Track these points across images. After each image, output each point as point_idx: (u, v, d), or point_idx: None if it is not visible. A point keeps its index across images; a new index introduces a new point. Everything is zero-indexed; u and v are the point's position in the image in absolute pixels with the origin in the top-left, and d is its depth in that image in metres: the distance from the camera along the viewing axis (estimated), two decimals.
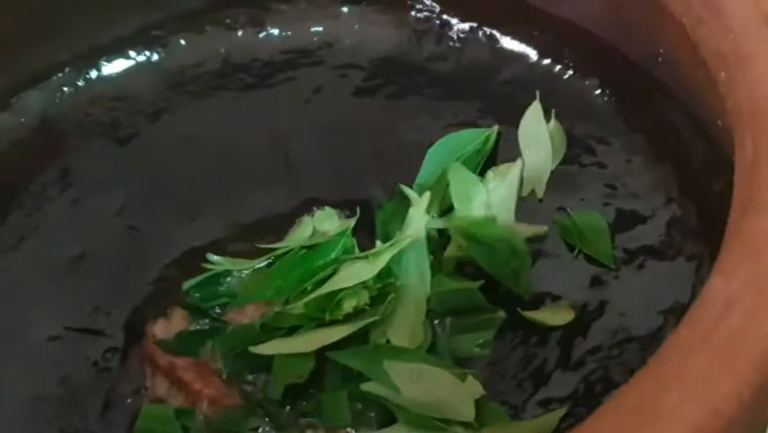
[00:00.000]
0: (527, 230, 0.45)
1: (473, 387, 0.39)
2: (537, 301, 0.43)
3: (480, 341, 0.42)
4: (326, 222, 0.47)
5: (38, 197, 0.48)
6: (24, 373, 0.42)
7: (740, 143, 0.29)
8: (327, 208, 0.47)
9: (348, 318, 0.42)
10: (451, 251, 0.44)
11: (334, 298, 0.42)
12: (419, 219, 0.44)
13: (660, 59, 0.43)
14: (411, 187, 0.47)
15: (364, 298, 0.42)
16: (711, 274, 0.28)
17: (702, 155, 0.43)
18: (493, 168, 0.47)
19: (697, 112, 0.42)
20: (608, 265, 0.43)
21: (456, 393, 0.39)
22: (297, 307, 0.43)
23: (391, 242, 0.43)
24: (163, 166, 0.50)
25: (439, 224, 0.44)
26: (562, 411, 0.38)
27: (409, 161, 0.49)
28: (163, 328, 0.45)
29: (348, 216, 0.47)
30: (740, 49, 0.32)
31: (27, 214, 0.47)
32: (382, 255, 0.42)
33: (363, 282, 0.42)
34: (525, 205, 0.46)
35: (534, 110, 0.48)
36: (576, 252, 0.44)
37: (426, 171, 0.48)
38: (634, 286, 0.42)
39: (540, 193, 0.46)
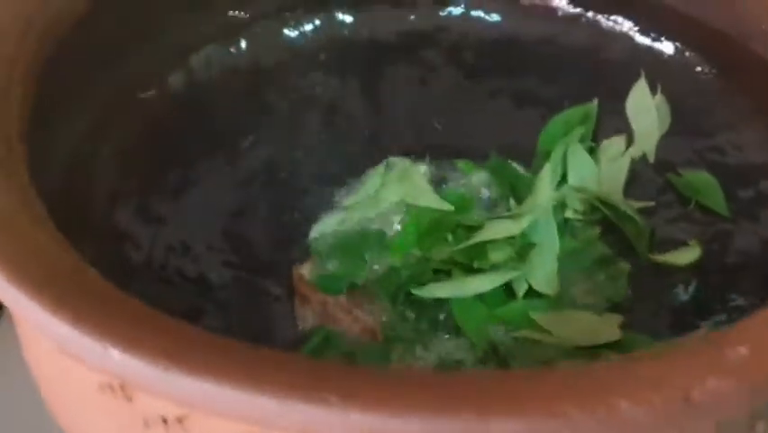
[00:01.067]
0: (635, 204, 0.50)
1: (614, 318, 0.44)
2: (661, 249, 0.48)
3: (611, 291, 0.47)
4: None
5: (194, 155, 0.52)
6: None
7: None
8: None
9: (491, 269, 0.47)
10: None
11: (482, 249, 0.47)
12: (546, 190, 0.49)
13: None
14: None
15: (509, 251, 0.47)
16: None
17: None
18: (602, 144, 0.52)
19: None
20: (724, 214, 0.48)
21: (600, 324, 0.44)
22: (442, 253, 0.48)
23: (527, 207, 0.48)
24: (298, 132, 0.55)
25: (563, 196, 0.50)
26: (705, 329, 0.43)
27: (520, 136, 0.54)
28: (308, 270, 0.49)
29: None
30: None
31: (183, 171, 0.51)
32: (524, 217, 0.48)
33: (509, 238, 0.47)
34: (638, 167, 0.52)
35: (641, 85, 0.54)
36: (692, 204, 0.49)
37: (542, 151, 0.54)
38: (751, 229, 0.47)
39: (651, 157, 0.52)
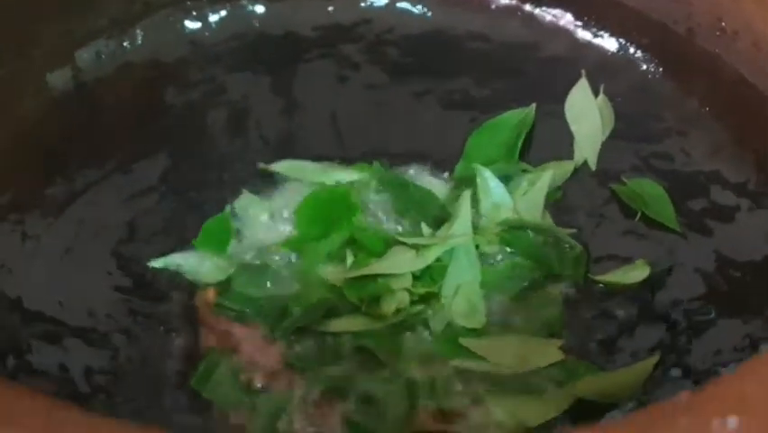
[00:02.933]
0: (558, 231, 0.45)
1: (553, 342, 0.40)
2: (603, 267, 0.43)
3: (546, 317, 0.42)
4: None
5: (81, 163, 0.45)
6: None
7: None
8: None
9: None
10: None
11: (375, 285, 0.41)
12: (465, 218, 0.44)
13: (717, 32, 0.44)
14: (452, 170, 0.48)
15: (405, 300, 0.41)
16: None
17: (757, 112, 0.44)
18: (527, 174, 0.47)
19: (750, 76, 0.44)
20: (675, 229, 0.43)
21: (539, 347, 0.39)
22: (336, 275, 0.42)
23: (439, 236, 0.43)
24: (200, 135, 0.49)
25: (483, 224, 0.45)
26: (655, 358, 0.38)
27: (447, 142, 0.49)
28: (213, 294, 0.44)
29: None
30: None
31: (70, 179, 0.44)
32: (432, 249, 0.42)
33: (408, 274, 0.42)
34: (580, 175, 0.47)
35: (581, 86, 0.49)
36: (638, 216, 0.44)
37: (468, 160, 0.49)
38: (702, 246, 0.42)
39: (593, 165, 0.47)
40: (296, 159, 0.48)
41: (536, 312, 0.42)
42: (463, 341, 0.40)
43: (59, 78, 0.47)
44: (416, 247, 0.42)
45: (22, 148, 0.45)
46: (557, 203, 0.46)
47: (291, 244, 0.44)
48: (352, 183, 0.47)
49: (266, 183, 0.48)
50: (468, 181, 0.47)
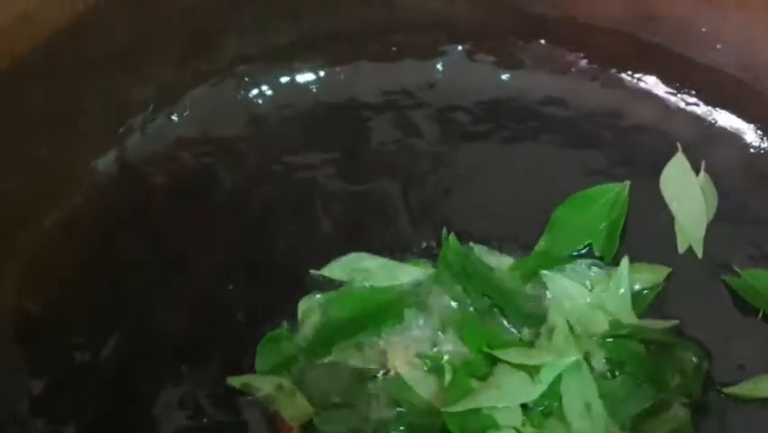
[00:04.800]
0: (658, 325, 0.41)
1: None
2: (725, 375, 0.39)
3: None
4: None
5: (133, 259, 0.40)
6: None
7: None
8: None
9: None
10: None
11: (481, 418, 0.37)
12: (564, 326, 0.40)
13: None
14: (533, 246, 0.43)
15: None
16: None
17: None
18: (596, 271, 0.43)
19: None
20: None
21: None
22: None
23: (545, 349, 0.38)
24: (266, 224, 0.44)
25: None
26: None
27: (526, 218, 0.45)
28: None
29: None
30: None
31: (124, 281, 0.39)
32: (545, 371, 0.37)
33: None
34: (685, 263, 0.43)
35: (678, 161, 0.45)
36: (759, 314, 0.40)
37: (553, 238, 0.44)
38: None
39: (699, 251, 0.43)
40: (361, 250, 0.43)
41: None
42: None
43: (104, 161, 0.42)
44: (524, 368, 0.37)
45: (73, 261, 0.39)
46: (661, 298, 0.42)
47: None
48: (415, 284, 0.42)
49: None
50: (551, 261, 0.43)
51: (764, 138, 0.44)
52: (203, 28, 0.44)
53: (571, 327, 0.40)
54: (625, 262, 0.41)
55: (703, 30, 0.45)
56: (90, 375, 0.37)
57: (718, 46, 0.44)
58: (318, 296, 0.41)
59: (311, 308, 0.41)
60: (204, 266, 0.41)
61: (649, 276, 0.42)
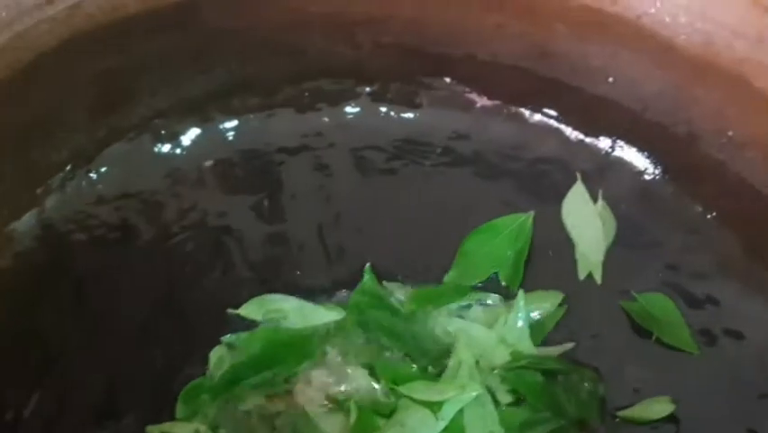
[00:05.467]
0: (554, 351, 0.43)
1: None
2: (620, 398, 0.41)
3: None
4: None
5: (54, 321, 0.41)
6: None
7: None
8: None
9: None
10: None
11: None
12: (470, 360, 0.42)
13: (723, 139, 0.43)
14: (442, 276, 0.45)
15: None
16: None
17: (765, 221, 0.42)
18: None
19: (761, 186, 0.42)
20: (691, 351, 0.41)
21: None
22: None
23: (448, 385, 0.40)
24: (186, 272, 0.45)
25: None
26: None
27: (438, 249, 0.47)
28: None
29: None
30: None
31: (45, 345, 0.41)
32: (448, 406, 0.39)
33: None
34: (586, 290, 0.45)
35: (578, 190, 0.47)
36: (653, 338, 0.42)
37: (461, 267, 0.46)
38: (722, 368, 0.41)
39: (598, 277, 0.45)
40: (278, 291, 0.45)
41: None
42: None
43: (24, 223, 0.43)
44: (426, 404, 0.39)
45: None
46: (561, 324, 0.44)
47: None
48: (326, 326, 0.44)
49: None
50: (461, 291, 0.45)
51: (657, 165, 0.47)
52: (114, 88, 0.45)
53: (476, 362, 0.42)
54: (521, 294, 0.43)
55: (595, 64, 0.47)
56: None
57: (610, 79, 0.47)
58: (229, 337, 0.43)
59: (223, 355, 0.43)
60: (123, 319, 0.43)
61: (545, 303, 0.44)
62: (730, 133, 0.42)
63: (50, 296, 0.42)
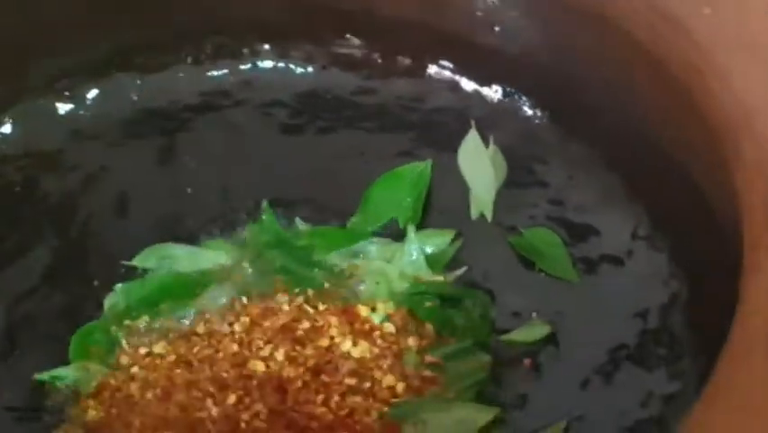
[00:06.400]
0: (449, 276, 0.46)
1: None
2: (509, 324, 0.43)
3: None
4: None
5: None
6: None
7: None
8: None
9: None
10: None
11: None
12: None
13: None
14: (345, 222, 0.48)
15: None
16: None
17: (644, 157, 0.44)
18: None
19: (643, 118, 0.44)
20: (571, 279, 0.44)
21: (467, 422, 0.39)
22: None
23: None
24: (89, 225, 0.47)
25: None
26: (562, 424, 0.38)
27: (341, 196, 0.48)
28: None
29: None
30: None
31: None
32: None
33: None
34: (478, 228, 0.47)
35: (472, 137, 0.49)
36: (537, 269, 0.44)
37: (366, 213, 0.48)
38: (600, 294, 0.43)
39: (489, 216, 0.47)
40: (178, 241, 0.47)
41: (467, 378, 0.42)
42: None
43: None
44: None
45: None
46: (456, 259, 0.46)
47: None
48: (221, 266, 0.46)
49: None
50: (361, 234, 0.47)
51: (543, 110, 0.49)
52: (14, 47, 0.46)
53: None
54: (410, 228, 0.46)
55: (482, 15, 0.49)
56: None
57: (497, 29, 0.49)
58: (119, 285, 0.44)
59: (117, 301, 0.44)
60: (24, 270, 0.44)
61: (438, 239, 0.46)
62: (608, 76, 0.44)
63: None
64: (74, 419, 0.40)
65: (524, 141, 0.49)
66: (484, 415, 0.39)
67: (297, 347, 0.41)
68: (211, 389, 0.40)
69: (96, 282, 0.45)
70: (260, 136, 0.51)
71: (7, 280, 0.44)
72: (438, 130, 0.50)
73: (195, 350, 0.42)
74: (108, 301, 0.44)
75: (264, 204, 0.47)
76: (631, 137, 0.45)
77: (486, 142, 0.49)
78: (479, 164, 0.48)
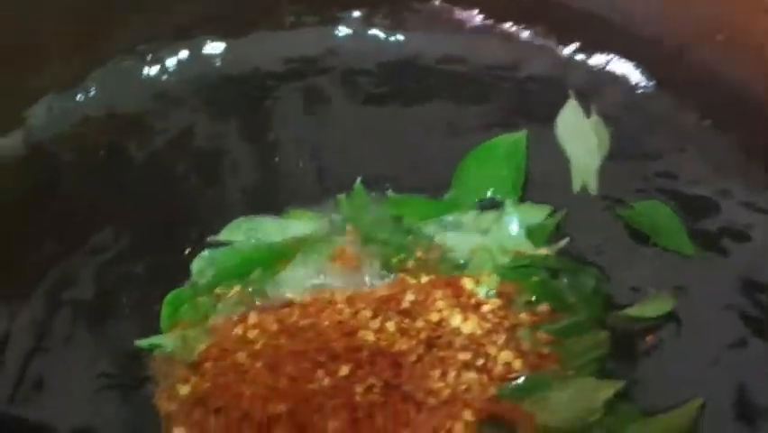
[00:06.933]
0: (552, 249, 0.43)
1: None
2: (623, 299, 0.41)
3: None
4: None
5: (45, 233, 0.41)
6: None
7: None
8: None
9: None
10: None
11: None
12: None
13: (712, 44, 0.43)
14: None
15: None
16: None
17: (761, 126, 0.42)
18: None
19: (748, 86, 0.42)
20: (689, 254, 0.41)
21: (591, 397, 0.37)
22: None
23: None
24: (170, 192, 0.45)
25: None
26: (698, 401, 0.36)
27: (432, 171, 0.46)
28: None
29: None
30: None
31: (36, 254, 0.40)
32: None
33: None
34: (582, 202, 0.45)
35: (571, 106, 0.47)
36: (651, 243, 0.42)
37: (459, 189, 0.46)
38: (722, 268, 0.41)
39: (593, 189, 0.45)
40: (268, 212, 0.45)
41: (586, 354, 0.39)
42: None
43: (9, 141, 0.42)
44: None
45: None
46: (560, 233, 0.44)
47: None
48: (311, 236, 0.44)
49: None
50: (454, 206, 0.45)
51: (647, 78, 0.47)
52: (101, 11, 0.44)
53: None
54: (508, 202, 0.44)
55: None
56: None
57: None
58: (207, 252, 0.43)
59: (204, 266, 0.42)
60: (110, 236, 0.42)
61: (537, 212, 0.44)
62: (719, 38, 0.42)
63: (36, 214, 0.41)
64: (175, 387, 0.38)
65: (629, 111, 0.46)
66: (607, 389, 0.37)
67: (407, 320, 0.39)
68: (321, 359, 0.38)
69: (185, 250, 0.43)
70: (345, 106, 0.49)
71: (95, 246, 0.42)
72: (533, 100, 0.48)
73: (295, 319, 0.40)
74: (196, 267, 0.42)
75: (358, 181, 0.45)
76: (747, 107, 0.43)
77: (587, 112, 0.47)
78: (580, 135, 0.46)
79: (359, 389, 0.37)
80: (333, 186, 0.46)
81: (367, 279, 0.42)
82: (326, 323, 0.39)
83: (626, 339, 0.40)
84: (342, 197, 0.45)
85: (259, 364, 0.38)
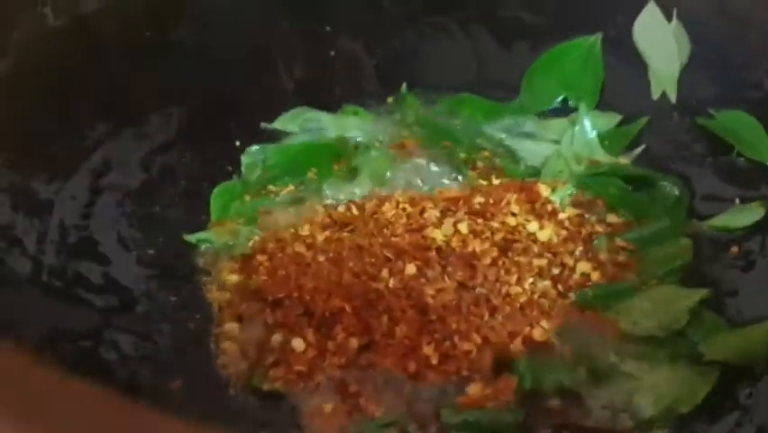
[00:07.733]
0: (628, 157, 0.42)
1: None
2: (706, 210, 0.39)
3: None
4: None
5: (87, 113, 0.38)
6: None
7: None
8: None
9: None
10: None
11: None
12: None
13: None
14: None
15: None
16: None
17: None
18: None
19: None
20: None
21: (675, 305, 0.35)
22: None
23: None
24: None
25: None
26: None
27: (500, 75, 0.44)
28: None
29: None
30: None
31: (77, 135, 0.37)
32: None
33: None
34: (661, 110, 0.42)
35: (651, 11, 0.44)
36: (734, 152, 0.40)
37: (530, 93, 0.44)
38: None
39: (672, 96, 0.42)
40: (321, 107, 0.43)
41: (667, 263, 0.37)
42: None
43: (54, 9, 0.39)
44: None
45: (20, 92, 0.36)
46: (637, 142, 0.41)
47: None
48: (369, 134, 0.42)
49: None
50: (526, 110, 0.44)
51: None
52: None
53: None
54: (582, 107, 0.41)
55: None
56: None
57: None
58: (257, 147, 0.41)
59: (254, 161, 0.41)
60: (158, 125, 0.40)
61: (611, 119, 0.42)
62: None
63: (79, 88, 0.38)
64: (225, 279, 0.36)
65: (713, 15, 0.43)
66: (692, 297, 0.35)
67: (480, 220, 0.37)
68: (387, 254, 0.35)
69: (235, 141, 0.41)
70: (406, 2, 0.46)
71: (142, 133, 0.40)
72: (607, 2, 0.45)
73: (356, 216, 0.38)
74: (246, 161, 0.41)
75: (403, 87, 0.43)
76: None
77: (668, 16, 0.44)
78: (659, 40, 0.43)
79: (429, 290, 0.34)
80: (394, 86, 0.44)
81: (432, 179, 0.40)
82: (390, 216, 0.37)
83: (710, 249, 0.38)
84: (403, 92, 0.43)
85: (321, 258, 0.35)
